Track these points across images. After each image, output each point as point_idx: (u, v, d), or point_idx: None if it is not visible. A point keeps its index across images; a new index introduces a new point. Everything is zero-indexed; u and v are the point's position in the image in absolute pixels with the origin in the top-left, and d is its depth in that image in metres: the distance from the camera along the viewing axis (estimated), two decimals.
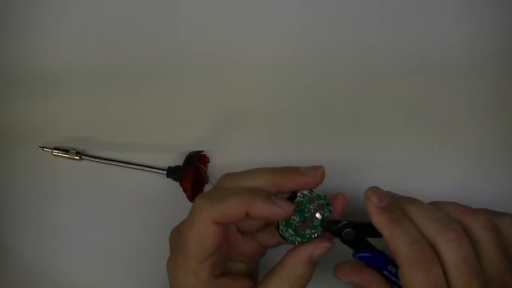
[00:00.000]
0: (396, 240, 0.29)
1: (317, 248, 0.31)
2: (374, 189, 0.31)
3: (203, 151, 0.40)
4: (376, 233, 0.30)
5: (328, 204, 0.32)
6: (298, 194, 0.32)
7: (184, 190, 0.38)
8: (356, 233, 0.31)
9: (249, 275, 0.35)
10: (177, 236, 0.33)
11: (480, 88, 0.41)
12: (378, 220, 0.30)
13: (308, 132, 0.42)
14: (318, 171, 0.32)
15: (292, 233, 0.31)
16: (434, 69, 0.42)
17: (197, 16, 0.43)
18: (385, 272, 0.31)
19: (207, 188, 0.41)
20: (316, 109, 0.42)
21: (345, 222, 0.31)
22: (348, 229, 0.31)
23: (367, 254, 0.31)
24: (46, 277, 0.41)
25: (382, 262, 0.31)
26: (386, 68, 0.42)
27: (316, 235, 0.32)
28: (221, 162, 0.41)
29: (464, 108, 0.41)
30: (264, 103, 0.42)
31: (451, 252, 0.28)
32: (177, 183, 0.39)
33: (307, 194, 0.32)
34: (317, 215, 0.32)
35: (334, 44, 0.42)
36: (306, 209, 0.31)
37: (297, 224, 0.31)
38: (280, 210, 0.30)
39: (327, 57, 0.42)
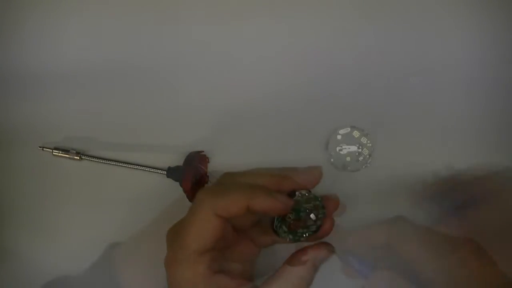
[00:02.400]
0: None
1: (320, 253, 0.32)
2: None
3: (203, 151, 0.40)
4: None
5: (323, 207, 0.33)
6: (297, 193, 0.33)
7: (184, 190, 0.38)
8: None
9: (245, 277, 0.35)
10: (175, 232, 0.33)
11: (481, 89, 0.41)
12: None
13: (308, 132, 0.42)
14: (315, 171, 0.34)
15: (286, 230, 0.33)
16: (434, 71, 0.42)
17: (197, 16, 0.43)
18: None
19: None
20: (316, 110, 0.42)
21: None
22: None
23: None
24: (45, 277, 0.41)
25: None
26: (386, 70, 0.42)
27: (307, 234, 0.33)
28: (221, 162, 0.41)
29: (465, 109, 0.41)
30: (264, 103, 0.42)
31: None
32: (177, 183, 0.39)
33: (305, 194, 0.33)
34: (311, 215, 0.33)
35: (335, 45, 0.42)
36: (302, 209, 0.32)
37: (291, 222, 0.32)
38: (280, 204, 0.31)
39: (327, 58, 0.42)
